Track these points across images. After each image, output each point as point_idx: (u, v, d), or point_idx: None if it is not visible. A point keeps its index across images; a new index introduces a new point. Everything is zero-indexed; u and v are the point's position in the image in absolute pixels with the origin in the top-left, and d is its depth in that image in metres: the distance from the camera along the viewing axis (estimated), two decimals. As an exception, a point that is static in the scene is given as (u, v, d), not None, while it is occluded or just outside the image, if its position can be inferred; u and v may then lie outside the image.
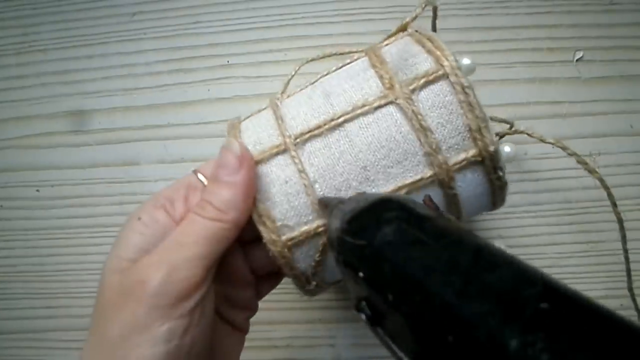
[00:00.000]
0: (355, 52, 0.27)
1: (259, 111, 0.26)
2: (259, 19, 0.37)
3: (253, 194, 0.22)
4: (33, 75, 0.38)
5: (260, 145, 0.24)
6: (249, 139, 0.24)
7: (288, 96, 0.26)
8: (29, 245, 0.35)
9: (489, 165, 0.22)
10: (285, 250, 0.23)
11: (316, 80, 0.26)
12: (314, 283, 0.24)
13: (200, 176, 0.24)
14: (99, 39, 0.38)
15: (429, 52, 0.23)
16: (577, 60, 0.35)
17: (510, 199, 0.34)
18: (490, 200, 0.24)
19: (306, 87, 0.26)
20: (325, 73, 0.26)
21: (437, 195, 0.23)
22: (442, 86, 0.22)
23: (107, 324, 0.19)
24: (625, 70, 0.34)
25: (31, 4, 0.39)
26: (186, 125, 0.36)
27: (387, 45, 0.25)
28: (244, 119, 0.26)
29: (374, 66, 0.24)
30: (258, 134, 0.24)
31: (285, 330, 0.33)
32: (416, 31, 0.25)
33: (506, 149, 0.24)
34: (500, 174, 0.23)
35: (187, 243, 0.20)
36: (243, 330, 0.25)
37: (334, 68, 0.26)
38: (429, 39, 0.23)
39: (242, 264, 0.25)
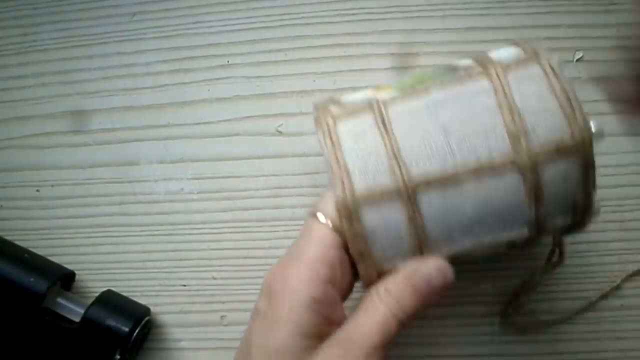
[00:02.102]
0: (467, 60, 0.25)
1: (356, 112, 0.24)
2: (259, 19, 0.37)
3: None
4: (33, 75, 0.38)
5: (367, 178, 0.23)
6: (353, 161, 0.23)
7: (392, 100, 0.24)
8: (29, 245, 0.35)
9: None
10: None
11: (426, 91, 0.24)
12: None
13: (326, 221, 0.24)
14: (99, 39, 0.38)
15: (567, 117, 0.22)
16: (577, 60, 0.35)
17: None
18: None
19: (413, 97, 0.24)
20: (437, 82, 0.24)
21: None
22: (569, 163, 0.22)
23: None
24: (625, 70, 0.34)
25: (31, 4, 0.39)
26: (186, 125, 0.36)
27: (514, 70, 0.23)
28: (339, 118, 0.24)
29: (500, 108, 0.22)
30: (364, 159, 0.23)
31: (285, 330, 0.33)
32: (550, 66, 0.23)
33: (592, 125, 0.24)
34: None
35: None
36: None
37: (448, 76, 0.24)
38: (568, 97, 0.22)
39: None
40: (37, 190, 0.37)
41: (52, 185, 0.37)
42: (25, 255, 0.34)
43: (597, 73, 0.34)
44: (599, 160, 0.33)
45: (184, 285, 0.35)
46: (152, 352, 0.34)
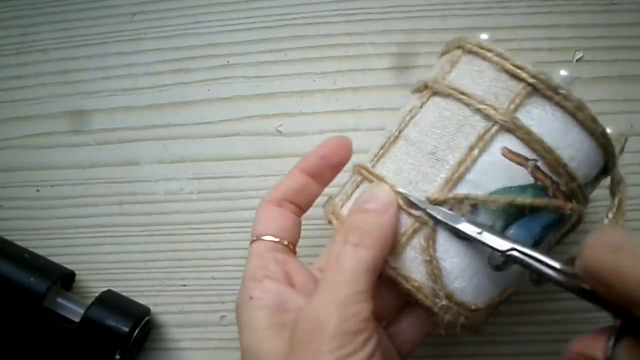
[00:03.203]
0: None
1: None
2: (259, 19, 0.37)
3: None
4: (33, 75, 0.38)
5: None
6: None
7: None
8: (28, 246, 0.35)
9: (545, 89, 0.22)
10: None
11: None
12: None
13: (267, 237, 0.25)
14: (99, 39, 0.38)
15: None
16: (577, 60, 0.35)
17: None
18: (588, 138, 0.24)
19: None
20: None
21: (513, 143, 0.22)
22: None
23: None
24: (625, 70, 0.34)
25: (31, 4, 0.39)
26: (186, 125, 0.36)
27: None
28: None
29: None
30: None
31: (285, 330, 0.33)
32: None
33: (561, 72, 0.23)
34: (563, 92, 0.22)
35: (347, 280, 0.20)
36: None
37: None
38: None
39: (389, 346, 0.25)
40: (37, 190, 0.37)
41: (52, 185, 0.37)
42: (25, 255, 0.34)
43: (597, 73, 0.35)
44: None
45: (184, 285, 0.35)
46: (152, 352, 0.35)
